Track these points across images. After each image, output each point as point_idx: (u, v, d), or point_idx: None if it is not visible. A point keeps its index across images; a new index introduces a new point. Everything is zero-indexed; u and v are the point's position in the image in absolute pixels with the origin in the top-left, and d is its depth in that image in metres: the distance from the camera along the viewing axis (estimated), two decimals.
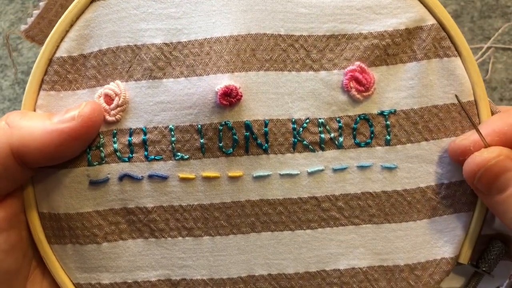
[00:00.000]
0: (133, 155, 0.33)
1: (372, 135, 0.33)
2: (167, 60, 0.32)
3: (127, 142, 0.33)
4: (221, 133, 0.32)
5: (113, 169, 0.33)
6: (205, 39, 0.32)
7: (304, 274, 0.34)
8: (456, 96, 0.32)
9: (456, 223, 0.34)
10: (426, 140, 0.33)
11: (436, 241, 0.34)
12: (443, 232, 0.34)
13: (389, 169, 0.33)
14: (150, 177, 0.33)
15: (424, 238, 0.34)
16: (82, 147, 0.32)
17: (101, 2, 0.33)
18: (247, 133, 0.32)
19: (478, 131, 0.31)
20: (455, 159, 0.32)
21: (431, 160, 0.33)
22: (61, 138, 0.30)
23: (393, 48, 0.33)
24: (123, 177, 0.33)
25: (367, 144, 0.33)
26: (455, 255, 0.34)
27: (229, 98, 0.32)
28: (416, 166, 0.33)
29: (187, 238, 0.33)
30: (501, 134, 0.31)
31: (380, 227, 0.34)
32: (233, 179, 0.33)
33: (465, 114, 0.33)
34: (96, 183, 0.33)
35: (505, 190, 0.30)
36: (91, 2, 0.33)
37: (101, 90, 0.33)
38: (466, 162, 0.31)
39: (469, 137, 0.31)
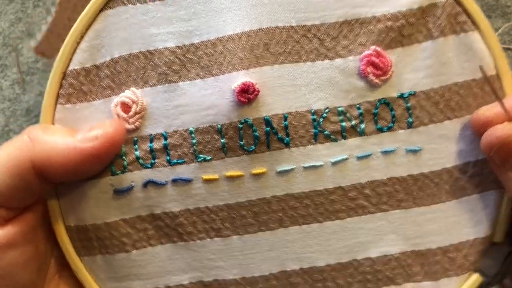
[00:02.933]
0: (156, 160, 0.33)
1: (393, 119, 0.33)
2: (181, 63, 0.32)
3: (148, 149, 0.33)
4: (241, 131, 0.32)
5: (137, 177, 0.33)
6: (217, 38, 0.32)
7: (336, 265, 0.33)
8: (480, 67, 0.31)
9: (486, 201, 0.33)
10: (449, 119, 0.33)
11: (468, 222, 0.33)
12: (474, 212, 0.33)
13: (414, 151, 0.33)
14: (174, 181, 0.33)
15: (455, 219, 0.33)
16: (103, 165, 0.32)
17: (110, 11, 0.33)
18: (267, 129, 0.32)
19: (501, 102, 0.30)
20: (476, 131, 0.32)
21: (456, 139, 0.33)
22: (83, 157, 0.30)
23: (407, 29, 0.32)
24: (147, 184, 0.33)
25: (390, 129, 0.33)
26: (489, 234, 0.33)
27: (247, 95, 0.31)
28: (441, 147, 0.33)
29: (215, 239, 0.33)
30: None
31: (409, 211, 0.33)
32: (257, 176, 0.33)
33: (488, 89, 0.32)
34: (121, 192, 0.33)
35: None
36: (99, 12, 0.33)
37: (117, 99, 0.32)
38: (486, 132, 0.30)
39: (492, 109, 0.31)
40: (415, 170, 0.33)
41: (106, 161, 0.32)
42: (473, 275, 0.34)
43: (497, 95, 0.31)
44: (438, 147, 0.33)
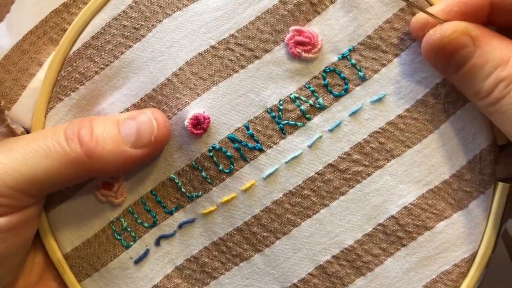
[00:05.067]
0: (156, 217, 0.34)
1: (345, 80, 0.33)
2: None
3: (144, 210, 0.34)
4: (214, 158, 0.33)
5: (148, 239, 0.35)
6: (153, 89, 0.34)
7: (363, 238, 0.33)
8: None
9: (474, 112, 0.32)
10: (397, 55, 0.32)
11: (466, 139, 0.32)
12: (467, 127, 0.32)
13: (379, 100, 0.33)
14: (180, 227, 0.34)
15: (453, 142, 0.32)
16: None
17: (52, 112, 0.34)
18: (236, 145, 0.33)
19: (425, 12, 0.30)
20: (416, 35, 0.31)
21: (413, 70, 0.32)
22: (132, 162, 0.32)
23: None
24: (159, 240, 0.34)
25: (346, 91, 0.33)
26: (492, 140, 0.32)
27: (201, 126, 0.33)
28: (404, 83, 0.32)
29: (241, 264, 0.34)
30: (461, 3, 0.30)
31: (404, 156, 0.33)
32: (249, 190, 0.33)
33: (418, 10, 0.32)
34: (140, 259, 0.35)
35: (462, 67, 0.29)
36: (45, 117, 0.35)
37: (98, 184, 0.34)
38: (422, 42, 0.30)
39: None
40: (390, 116, 0.33)
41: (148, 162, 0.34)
42: (498, 185, 0.32)
43: (418, 7, 0.31)
44: (401, 84, 0.32)
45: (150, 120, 0.32)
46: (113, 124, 0.32)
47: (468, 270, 0.33)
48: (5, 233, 0.30)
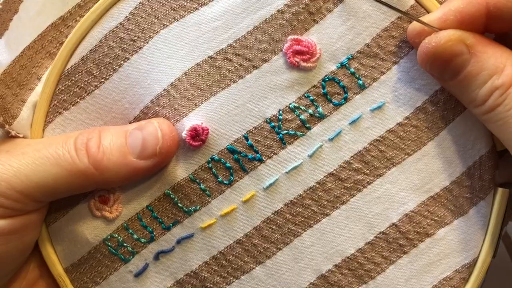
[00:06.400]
0: (154, 233, 0.34)
1: (344, 89, 0.33)
2: None
3: (141, 226, 0.34)
4: (213, 169, 0.33)
5: (146, 254, 0.34)
6: (150, 100, 0.33)
7: (365, 246, 0.33)
8: (380, 1, 0.31)
9: (473, 117, 0.32)
10: (395, 63, 0.32)
11: (465, 144, 0.32)
12: (467, 133, 0.32)
13: (379, 108, 0.33)
14: (178, 242, 0.34)
15: (452, 148, 0.33)
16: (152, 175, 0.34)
17: (50, 126, 0.34)
18: (235, 156, 0.33)
19: (420, 21, 0.30)
20: (412, 42, 0.31)
21: (412, 78, 0.32)
22: (138, 173, 0.32)
23: (312, 5, 0.32)
24: (158, 255, 0.34)
25: (346, 99, 0.33)
26: (491, 146, 0.32)
27: (199, 138, 0.33)
28: (403, 91, 0.32)
29: (242, 277, 0.34)
30: (457, 12, 0.30)
31: (404, 164, 0.33)
32: (249, 202, 0.33)
33: (411, 18, 0.32)
34: (140, 273, 0.34)
35: (457, 75, 0.29)
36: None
37: (95, 197, 0.34)
38: (418, 50, 0.30)
39: (423, 19, 0.30)
40: (389, 124, 0.33)
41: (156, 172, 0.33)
42: (498, 190, 0.32)
43: (412, 16, 0.31)
44: (400, 92, 0.33)
45: (155, 130, 0.32)
46: (121, 134, 0.32)
47: (470, 275, 0.33)
48: (7, 235, 0.31)
